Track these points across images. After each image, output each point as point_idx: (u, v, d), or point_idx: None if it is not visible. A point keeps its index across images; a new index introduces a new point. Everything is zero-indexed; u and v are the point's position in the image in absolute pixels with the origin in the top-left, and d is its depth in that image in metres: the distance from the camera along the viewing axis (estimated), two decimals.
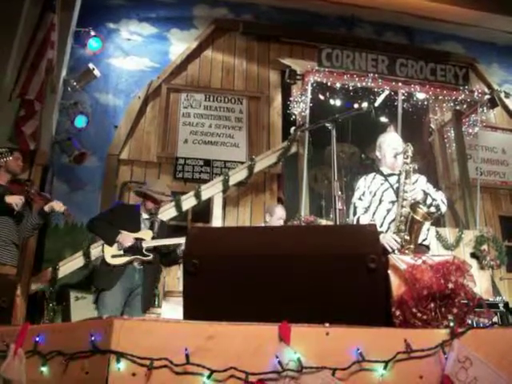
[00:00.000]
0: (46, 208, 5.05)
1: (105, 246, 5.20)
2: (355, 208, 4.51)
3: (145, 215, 5.44)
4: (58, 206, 5.07)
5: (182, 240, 5.31)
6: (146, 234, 5.32)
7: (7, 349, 2.12)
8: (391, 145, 4.56)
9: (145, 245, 5.20)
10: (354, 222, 4.44)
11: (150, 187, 5.51)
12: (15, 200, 4.76)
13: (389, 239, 4.08)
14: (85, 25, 7.74)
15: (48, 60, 6.32)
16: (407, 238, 4.05)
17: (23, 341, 2.13)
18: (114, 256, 5.13)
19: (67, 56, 7.49)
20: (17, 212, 4.79)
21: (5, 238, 4.85)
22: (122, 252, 5.13)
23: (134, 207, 5.62)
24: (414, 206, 4.10)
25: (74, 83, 7.45)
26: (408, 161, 4.33)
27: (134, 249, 5.15)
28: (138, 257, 5.15)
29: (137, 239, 5.19)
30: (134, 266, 5.18)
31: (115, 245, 5.15)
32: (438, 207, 4.32)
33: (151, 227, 5.37)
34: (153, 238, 5.29)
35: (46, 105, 6.55)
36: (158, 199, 5.43)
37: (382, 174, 4.54)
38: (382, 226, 4.29)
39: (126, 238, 5.16)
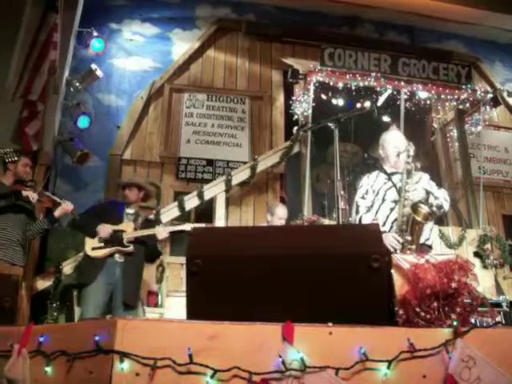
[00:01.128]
0: (57, 213, 5.08)
1: (86, 239, 5.21)
2: (358, 207, 4.51)
3: (129, 210, 5.47)
4: (68, 206, 5.11)
5: (148, 231, 5.39)
6: (126, 225, 5.35)
7: (11, 349, 2.13)
8: (393, 143, 4.56)
9: (125, 236, 5.21)
10: (357, 221, 4.44)
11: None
12: (31, 194, 4.85)
13: (391, 240, 4.07)
14: (87, 25, 7.74)
15: (50, 61, 6.32)
16: (409, 238, 4.04)
17: (27, 341, 2.14)
18: (94, 248, 5.14)
19: (70, 57, 7.49)
20: (32, 206, 4.86)
21: (14, 238, 4.90)
22: (102, 244, 5.14)
23: (118, 203, 5.64)
24: (414, 207, 4.10)
25: (77, 84, 7.46)
26: (409, 160, 4.33)
27: (114, 240, 5.17)
28: (118, 248, 5.16)
29: (117, 231, 5.21)
30: (116, 259, 5.18)
31: (96, 238, 5.18)
32: (440, 206, 4.31)
33: (134, 221, 5.41)
34: (134, 230, 5.33)
35: (49, 105, 6.56)
36: (140, 184, 5.55)
37: (385, 172, 4.54)
38: (384, 225, 4.28)
39: (104, 229, 5.17)
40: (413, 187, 4.23)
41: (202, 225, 6.00)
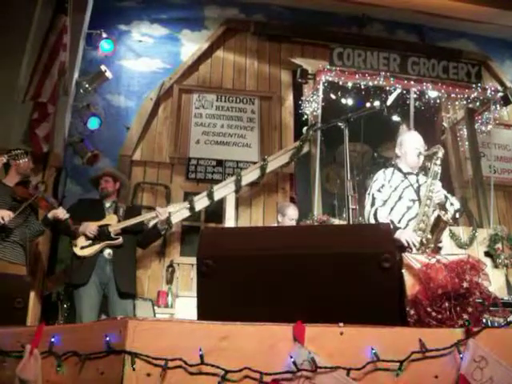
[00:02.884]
0: (50, 215, 5.08)
1: (74, 241, 5.22)
2: (374, 199, 4.48)
3: (107, 204, 5.50)
4: (61, 213, 5.08)
5: (147, 216, 5.54)
6: (110, 218, 5.38)
7: (23, 349, 2.13)
8: (414, 144, 4.58)
9: (111, 229, 5.23)
10: (372, 214, 4.43)
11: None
12: (2, 214, 4.74)
13: (410, 235, 4.07)
14: (96, 27, 7.77)
15: (60, 62, 6.35)
16: (429, 237, 4.06)
17: (39, 341, 2.15)
18: (82, 247, 5.15)
19: (79, 58, 7.52)
20: (3, 225, 4.77)
21: (12, 239, 4.92)
22: (90, 242, 5.16)
23: (95, 199, 5.67)
24: (442, 207, 4.14)
25: (87, 85, 7.48)
26: (438, 162, 4.34)
27: (102, 235, 5.18)
28: (108, 242, 5.18)
29: (102, 226, 5.23)
30: (105, 256, 5.20)
31: (82, 237, 5.18)
32: (458, 211, 4.36)
33: (115, 213, 5.44)
34: (118, 222, 5.35)
35: (59, 107, 6.58)
36: (110, 172, 5.66)
37: (400, 170, 4.55)
38: (400, 222, 4.29)
39: (89, 227, 5.18)
40: (437, 189, 4.26)
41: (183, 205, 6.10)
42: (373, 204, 4.48)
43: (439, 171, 4.32)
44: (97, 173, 5.82)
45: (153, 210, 5.61)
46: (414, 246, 4.03)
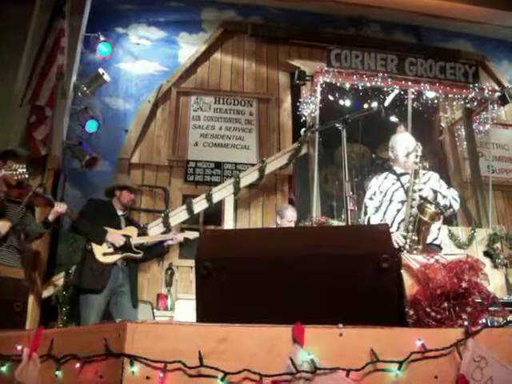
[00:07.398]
0: (50, 217, 5.00)
1: (93, 244, 5.18)
2: (366, 208, 4.53)
3: (119, 212, 5.48)
4: (61, 208, 5.02)
5: (164, 236, 5.69)
6: (130, 230, 5.38)
7: (22, 353, 2.13)
8: (403, 144, 4.58)
9: (133, 241, 5.23)
10: (365, 222, 4.45)
11: (120, 181, 5.69)
12: None
13: (395, 238, 4.07)
14: (94, 30, 7.76)
15: (58, 66, 6.36)
16: (415, 238, 4.04)
17: (37, 345, 2.14)
18: (105, 254, 5.14)
19: (77, 61, 7.52)
20: (3, 236, 4.71)
21: (9, 243, 4.87)
22: (112, 250, 5.15)
23: (107, 203, 5.59)
24: (421, 207, 4.10)
25: (85, 88, 7.48)
26: (417, 160, 4.32)
27: (124, 246, 5.19)
28: (129, 254, 5.19)
29: (124, 236, 5.24)
30: (118, 263, 5.21)
31: (104, 243, 5.18)
32: (447, 205, 4.31)
33: (129, 224, 5.48)
34: (138, 235, 5.39)
35: (57, 110, 6.59)
36: (135, 188, 5.63)
37: (394, 173, 4.55)
38: (392, 225, 4.28)
39: (116, 236, 5.19)
40: (420, 187, 4.23)
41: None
42: (365, 213, 4.53)
43: (420, 169, 4.31)
44: (129, 183, 5.72)
45: (169, 232, 5.92)
46: (399, 246, 4.02)
